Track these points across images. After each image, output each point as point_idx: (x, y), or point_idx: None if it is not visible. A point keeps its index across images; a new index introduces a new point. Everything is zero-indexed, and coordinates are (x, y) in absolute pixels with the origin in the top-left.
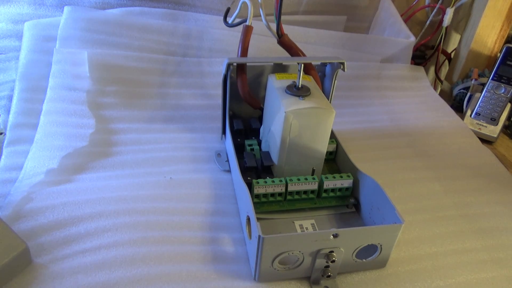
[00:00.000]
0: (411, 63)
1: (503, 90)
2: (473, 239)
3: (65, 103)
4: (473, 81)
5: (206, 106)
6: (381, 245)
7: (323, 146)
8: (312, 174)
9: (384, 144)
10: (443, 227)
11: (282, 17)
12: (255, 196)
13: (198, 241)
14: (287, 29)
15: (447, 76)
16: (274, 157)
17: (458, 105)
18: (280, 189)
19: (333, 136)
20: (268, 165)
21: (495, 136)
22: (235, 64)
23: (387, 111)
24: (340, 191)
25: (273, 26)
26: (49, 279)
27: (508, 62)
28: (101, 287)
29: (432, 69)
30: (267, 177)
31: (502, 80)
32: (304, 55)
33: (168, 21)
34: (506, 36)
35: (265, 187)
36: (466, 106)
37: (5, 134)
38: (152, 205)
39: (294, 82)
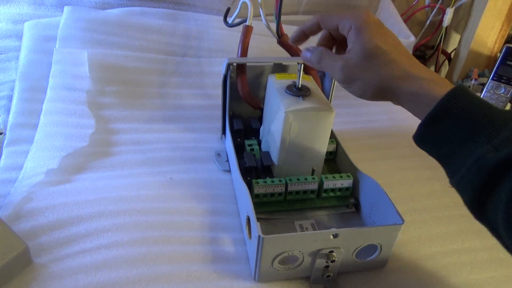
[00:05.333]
0: None
1: (503, 90)
2: (473, 239)
3: (65, 103)
4: (473, 81)
5: (206, 106)
6: (381, 245)
7: (323, 146)
8: (312, 174)
9: (384, 144)
10: (443, 227)
11: (282, 17)
12: (255, 196)
13: (198, 241)
14: (287, 29)
15: (447, 76)
16: (274, 157)
17: None
18: (280, 189)
19: (333, 136)
20: (268, 165)
21: None
22: (235, 64)
23: (387, 111)
24: (340, 191)
25: (273, 26)
26: (49, 279)
27: (508, 62)
28: (101, 287)
29: (432, 69)
30: (267, 177)
31: (502, 80)
32: None
33: (168, 21)
34: (506, 36)
35: (265, 187)
36: None
37: (5, 134)
38: (152, 205)
39: (294, 82)
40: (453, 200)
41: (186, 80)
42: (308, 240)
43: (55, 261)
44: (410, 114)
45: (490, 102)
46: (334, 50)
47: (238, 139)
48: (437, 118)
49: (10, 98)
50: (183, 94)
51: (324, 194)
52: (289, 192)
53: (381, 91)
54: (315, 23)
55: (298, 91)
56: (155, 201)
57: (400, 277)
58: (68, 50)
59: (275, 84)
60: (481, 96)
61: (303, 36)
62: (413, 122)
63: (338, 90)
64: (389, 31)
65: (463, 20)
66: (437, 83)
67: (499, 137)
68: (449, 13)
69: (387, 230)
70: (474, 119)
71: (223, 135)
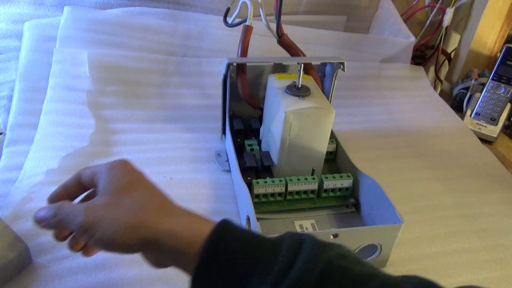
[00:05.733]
0: (411, 63)
1: (503, 90)
2: (473, 239)
3: (65, 103)
4: (473, 81)
5: (206, 106)
6: (381, 245)
7: (323, 146)
8: (312, 174)
9: (384, 144)
10: (443, 227)
11: (282, 17)
12: (255, 196)
13: None
14: (287, 29)
15: (447, 76)
16: (274, 157)
17: (458, 105)
18: (280, 189)
19: (333, 136)
20: (268, 165)
21: (495, 136)
22: (235, 64)
23: (387, 111)
24: (340, 191)
25: (273, 26)
26: (49, 279)
27: (508, 62)
28: (101, 287)
29: (432, 69)
30: (267, 177)
31: (502, 80)
32: (304, 55)
33: (168, 21)
34: (506, 36)
35: (265, 187)
36: (466, 106)
37: (5, 134)
38: None
39: (294, 82)
40: (453, 200)
41: (186, 80)
42: None
43: (55, 261)
44: (410, 114)
45: (490, 102)
46: None
47: (238, 139)
48: (208, 265)
49: (10, 98)
50: (183, 94)
51: (324, 194)
52: (289, 192)
53: (133, 230)
54: (75, 177)
55: (298, 91)
56: None
57: None
58: (68, 50)
59: (275, 84)
60: (481, 96)
61: (64, 194)
62: (413, 122)
63: (338, 90)
64: (142, 174)
65: (463, 20)
66: (198, 219)
67: (274, 271)
68: (449, 13)
69: (387, 230)
70: (246, 258)
71: (223, 135)
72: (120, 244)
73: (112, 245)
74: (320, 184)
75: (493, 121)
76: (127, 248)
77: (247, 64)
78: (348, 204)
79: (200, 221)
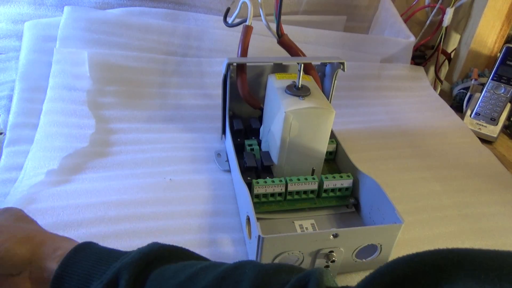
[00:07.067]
0: (411, 63)
1: (503, 90)
2: (473, 239)
3: (65, 103)
4: (473, 81)
5: (206, 106)
6: (381, 245)
7: (323, 146)
8: (312, 174)
9: (384, 144)
10: (443, 227)
11: (282, 17)
12: (255, 196)
13: (198, 243)
14: (287, 29)
15: (447, 76)
16: (274, 157)
17: (458, 105)
18: (280, 189)
19: (333, 136)
20: (268, 165)
21: (495, 136)
22: (235, 64)
23: (387, 111)
24: (340, 191)
25: (273, 26)
26: None
27: (508, 62)
28: None
29: (432, 69)
30: (267, 177)
31: (502, 80)
32: (304, 55)
33: (168, 21)
34: (506, 36)
35: (265, 187)
36: (466, 106)
37: (5, 134)
38: (151, 210)
39: (294, 82)
40: (453, 200)
41: (186, 80)
42: (308, 240)
43: None
44: (410, 114)
45: (489, 102)
46: None
47: (238, 139)
48: (59, 278)
49: (10, 98)
50: (183, 94)
51: (324, 194)
52: (289, 192)
53: (26, 241)
54: None
55: (298, 91)
56: (154, 206)
57: None
58: (68, 50)
59: (275, 84)
60: (481, 96)
61: None
62: (413, 122)
63: (338, 90)
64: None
65: (463, 20)
66: (69, 241)
67: (107, 274)
68: (449, 13)
69: (387, 230)
70: (92, 267)
71: (223, 135)
72: (12, 253)
73: (8, 255)
74: (320, 184)
75: (493, 121)
76: (19, 259)
77: (247, 64)
78: (348, 204)
79: (70, 242)
